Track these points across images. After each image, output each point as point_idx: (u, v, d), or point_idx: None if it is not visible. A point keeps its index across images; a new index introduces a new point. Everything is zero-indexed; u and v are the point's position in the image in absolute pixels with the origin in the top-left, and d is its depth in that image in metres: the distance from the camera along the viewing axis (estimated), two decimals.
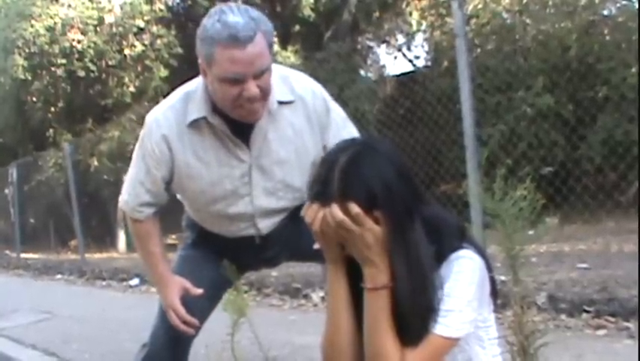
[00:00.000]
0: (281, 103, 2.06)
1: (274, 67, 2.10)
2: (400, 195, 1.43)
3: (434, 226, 1.49)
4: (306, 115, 2.11)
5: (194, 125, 2.04)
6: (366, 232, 1.42)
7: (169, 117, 2.07)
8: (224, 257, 2.24)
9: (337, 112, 2.20)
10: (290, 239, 2.26)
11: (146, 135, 2.11)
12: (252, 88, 1.85)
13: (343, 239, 1.45)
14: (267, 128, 2.06)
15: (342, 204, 1.42)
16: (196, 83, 2.05)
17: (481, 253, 1.50)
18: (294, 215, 2.23)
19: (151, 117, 2.12)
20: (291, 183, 2.14)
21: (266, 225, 2.21)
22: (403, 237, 1.43)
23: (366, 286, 1.45)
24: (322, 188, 1.46)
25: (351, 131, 2.21)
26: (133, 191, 2.18)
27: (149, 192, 2.16)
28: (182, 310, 2.10)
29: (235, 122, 2.01)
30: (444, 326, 1.41)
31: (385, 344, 1.43)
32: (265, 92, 1.91)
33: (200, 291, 2.14)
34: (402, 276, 1.43)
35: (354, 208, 1.41)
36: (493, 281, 1.53)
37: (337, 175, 1.43)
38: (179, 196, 2.30)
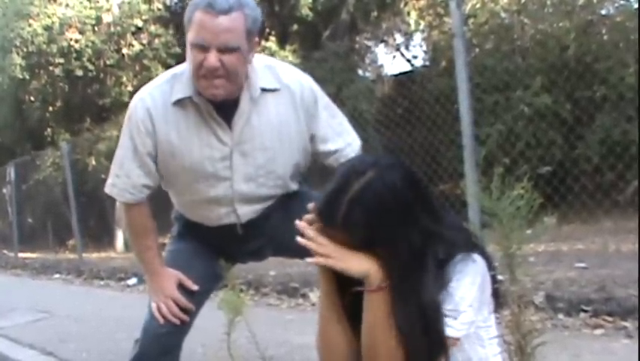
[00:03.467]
0: (265, 90, 2.09)
1: (261, 57, 2.15)
2: (404, 234, 1.43)
3: (437, 229, 1.48)
4: (292, 104, 2.13)
5: (179, 104, 2.07)
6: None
7: (155, 96, 2.11)
8: (209, 248, 2.27)
9: (326, 103, 2.22)
10: (274, 232, 2.28)
11: (132, 112, 2.14)
12: (212, 58, 1.89)
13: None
14: (250, 113, 2.08)
15: (343, 234, 1.45)
16: (185, 65, 2.08)
17: (485, 254, 1.51)
18: (277, 207, 2.25)
19: (137, 96, 2.16)
20: (273, 170, 2.16)
21: (246, 212, 2.22)
22: (405, 279, 1.43)
23: (369, 289, 1.45)
24: (329, 211, 1.46)
25: (341, 122, 2.24)
26: (122, 172, 2.18)
27: (140, 168, 2.16)
28: (183, 299, 2.18)
29: (219, 105, 2.05)
30: (445, 325, 1.42)
31: (388, 340, 1.43)
32: (229, 71, 1.94)
33: (195, 287, 2.20)
34: (402, 310, 1.43)
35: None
36: (495, 281, 1.53)
37: (344, 207, 1.43)
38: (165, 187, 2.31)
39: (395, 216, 1.42)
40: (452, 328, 1.42)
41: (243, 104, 2.06)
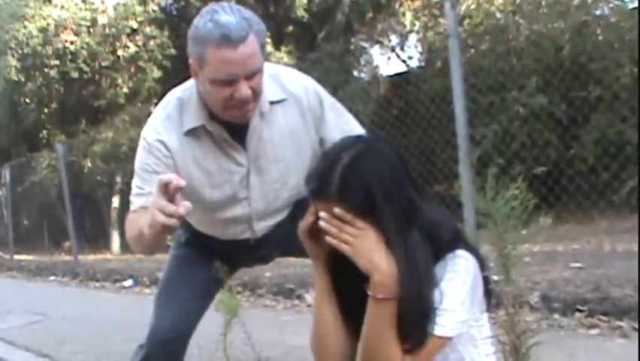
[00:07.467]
0: (272, 103, 2.04)
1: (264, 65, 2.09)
2: (398, 201, 1.43)
3: (431, 225, 1.49)
4: (299, 111, 2.09)
5: (192, 133, 1.99)
6: (366, 234, 1.42)
7: (167, 127, 2.01)
8: (218, 256, 2.23)
9: (332, 103, 2.18)
10: (283, 238, 2.25)
11: (149, 146, 2.00)
12: (244, 89, 1.82)
13: (347, 244, 1.44)
14: (261, 129, 2.04)
15: (339, 205, 1.43)
16: (189, 89, 2.01)
17: (476, 253, 1.50)
18: (289, 215, 2.23)
19: (150, 129, 2.03)
20: (287, 181, 2.13)
21: (262, 227, 2.20)
22: (401, 243, 1.42)
23: (374, 296, 1.43)
24: (321, 185, 1.47)
25: (348, 121, 2.19)
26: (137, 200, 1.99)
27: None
28: (167, 205, 1.57)
29: (230, 126, 1.99)
30: (437, 325, 1.41)
31: (390, 351, 1.43)
32: (257, 93, 1.89)
33: (183, 182, 1.59)
34: (401, 283, 1.42)
35: (347, 216, 1.42)
36: (487, 281, 1.53)
37: (338, 176, 1.44)
38: None
39: (387, 180, 1.43)
40: (445, 327, 1.41)
41: (254, 122, 2.01)
